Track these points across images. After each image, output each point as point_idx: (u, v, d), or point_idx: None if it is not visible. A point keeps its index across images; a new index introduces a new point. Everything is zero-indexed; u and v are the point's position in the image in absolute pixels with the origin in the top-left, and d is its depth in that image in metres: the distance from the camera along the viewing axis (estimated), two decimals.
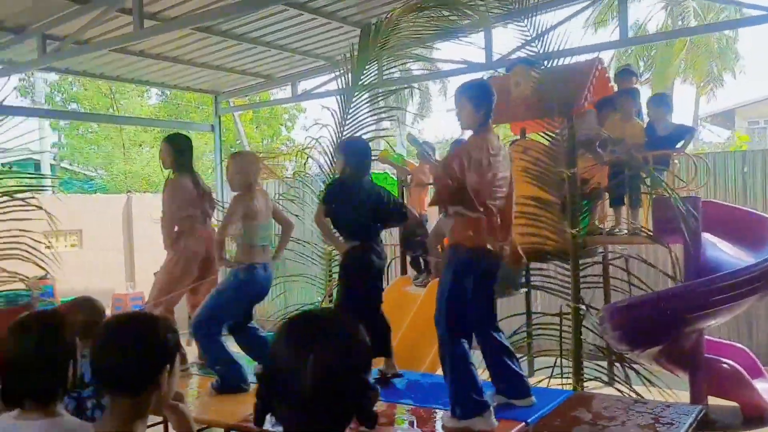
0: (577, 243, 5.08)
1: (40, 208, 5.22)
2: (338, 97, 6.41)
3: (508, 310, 7.02)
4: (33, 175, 8.25)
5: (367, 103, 6.37)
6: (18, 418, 1.71)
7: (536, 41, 5.50)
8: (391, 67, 6.70)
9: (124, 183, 15.55)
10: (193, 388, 4.30)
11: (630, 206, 5.25)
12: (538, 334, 5.56)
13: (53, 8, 5.75)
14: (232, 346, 4.27)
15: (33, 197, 5.35)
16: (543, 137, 5.28)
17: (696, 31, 17.52)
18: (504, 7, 5.56)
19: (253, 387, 3.31)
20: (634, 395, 4.70)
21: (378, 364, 4.15)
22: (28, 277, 5.50)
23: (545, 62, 5.38)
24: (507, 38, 5.99)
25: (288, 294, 8.72)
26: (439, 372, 4.83)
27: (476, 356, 3.44)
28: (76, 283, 8.20)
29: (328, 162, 6.24)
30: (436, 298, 3.36)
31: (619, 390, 4.93)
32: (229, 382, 4.00)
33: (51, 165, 16.48)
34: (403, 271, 6.60)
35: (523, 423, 3.21)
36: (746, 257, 5.11)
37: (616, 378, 5.13)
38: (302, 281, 7.46)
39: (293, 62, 7.80)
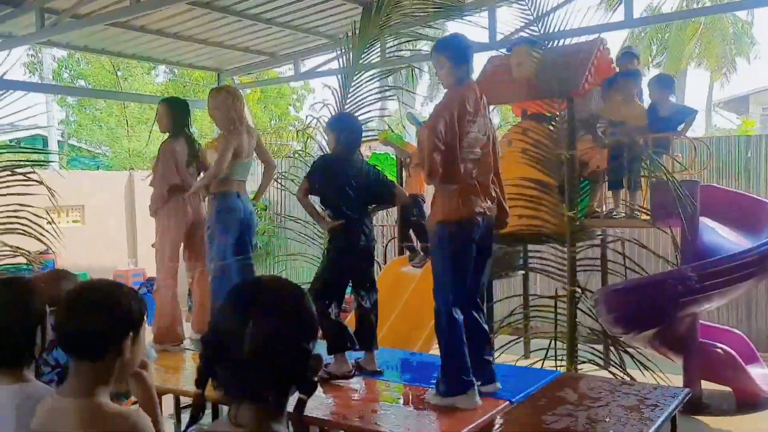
0: (574, 226, 5.06)
1: (41, 183, 5.23)
2: (338, 76, 6.35)
3: (507, 291, 7.06)
4: (35, 150, 8.26)
5: (367, 82, 6.32)
6: None
7: (539, 22, 5.42)
8: (392, 47, 6.64)
9: (128, 161, 15.57)
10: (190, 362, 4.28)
11: (629, 189, 5.21)
12: (534, 316, 5.56)
13: None
14: None
15: (33, 172, 5.36)
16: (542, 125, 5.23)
17: (697, 13, 16.97)
18: None
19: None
20: (627, 379, 4.68)
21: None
22: (29, 252, 5.53)
23: (548, 43, 5.30)
24: (510, 18, 5.87)
25: (289, 273, 8.78)
26: (432, 352, 4.86)
27: None
28: (79, 258, 8.25)
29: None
30: (433, 287, 3.24)
31: (612, 373, 4.92)
32: None
33: (59, 142, 16.49)
34: (400, 252, 6.60)
35: (508, 402, 3.21)
36: (746, 242, 5.07)
37: (611, 362, 5.12)
38: (302, 260, 7.49)
39: (296, 40, 7.72)
